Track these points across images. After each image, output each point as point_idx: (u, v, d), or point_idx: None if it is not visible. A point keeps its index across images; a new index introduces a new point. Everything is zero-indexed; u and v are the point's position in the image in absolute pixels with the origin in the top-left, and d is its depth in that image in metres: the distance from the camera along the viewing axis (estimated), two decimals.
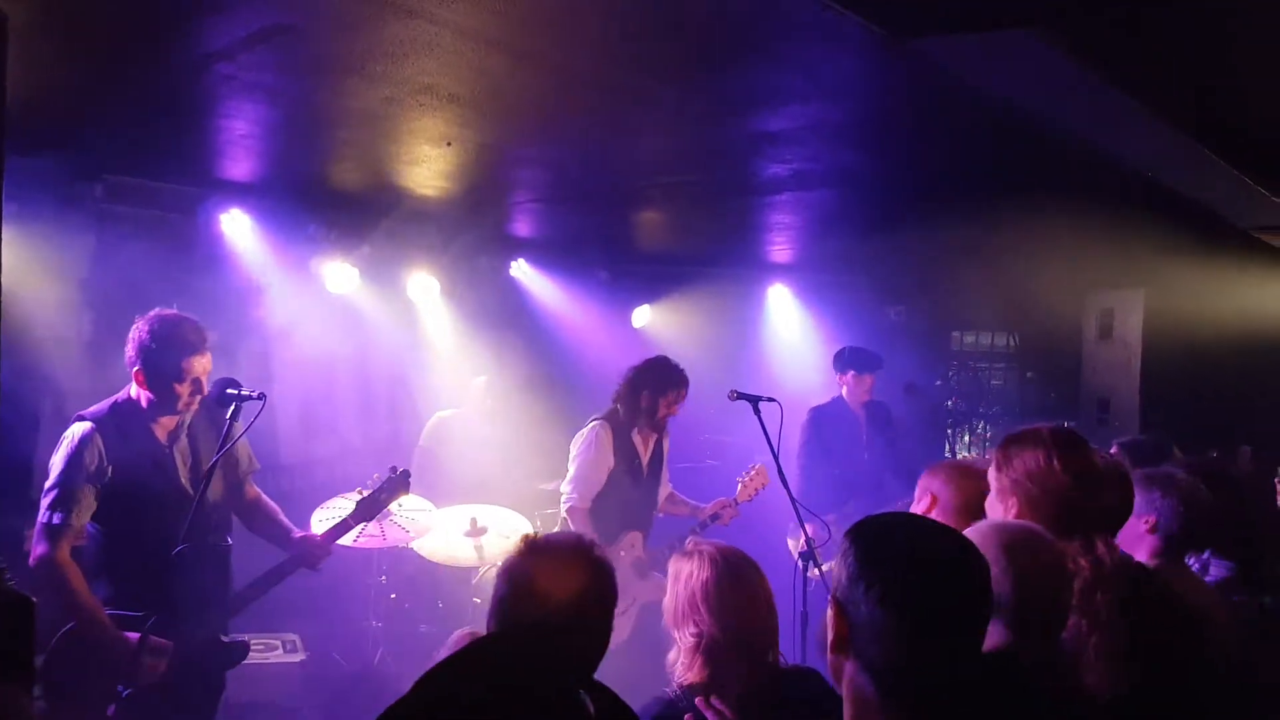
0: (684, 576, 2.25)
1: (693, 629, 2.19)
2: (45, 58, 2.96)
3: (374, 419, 6.36)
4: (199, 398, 3.12)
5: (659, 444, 4.70)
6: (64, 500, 2.94)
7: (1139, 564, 2.33)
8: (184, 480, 3.16)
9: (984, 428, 7.91)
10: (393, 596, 5.32)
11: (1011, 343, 7.21)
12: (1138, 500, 2.74)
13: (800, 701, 2.20)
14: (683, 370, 4.51)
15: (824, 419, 5.59)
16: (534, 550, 1.81)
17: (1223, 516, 2.80)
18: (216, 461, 3.03)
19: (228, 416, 3.02)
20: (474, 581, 5.11)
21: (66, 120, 3.79)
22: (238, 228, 5.08)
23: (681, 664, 2.21)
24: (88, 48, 2.95)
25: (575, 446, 4.53)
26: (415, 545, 4.47)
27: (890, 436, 5.76)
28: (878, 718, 1.26)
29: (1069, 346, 6.58)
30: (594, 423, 4.52)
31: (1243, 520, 3.02)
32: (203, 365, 3.10)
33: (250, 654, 4.48)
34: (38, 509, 2.98)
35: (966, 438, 7.97)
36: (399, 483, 3.62)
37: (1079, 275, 6.15)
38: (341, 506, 3.87)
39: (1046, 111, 3.15)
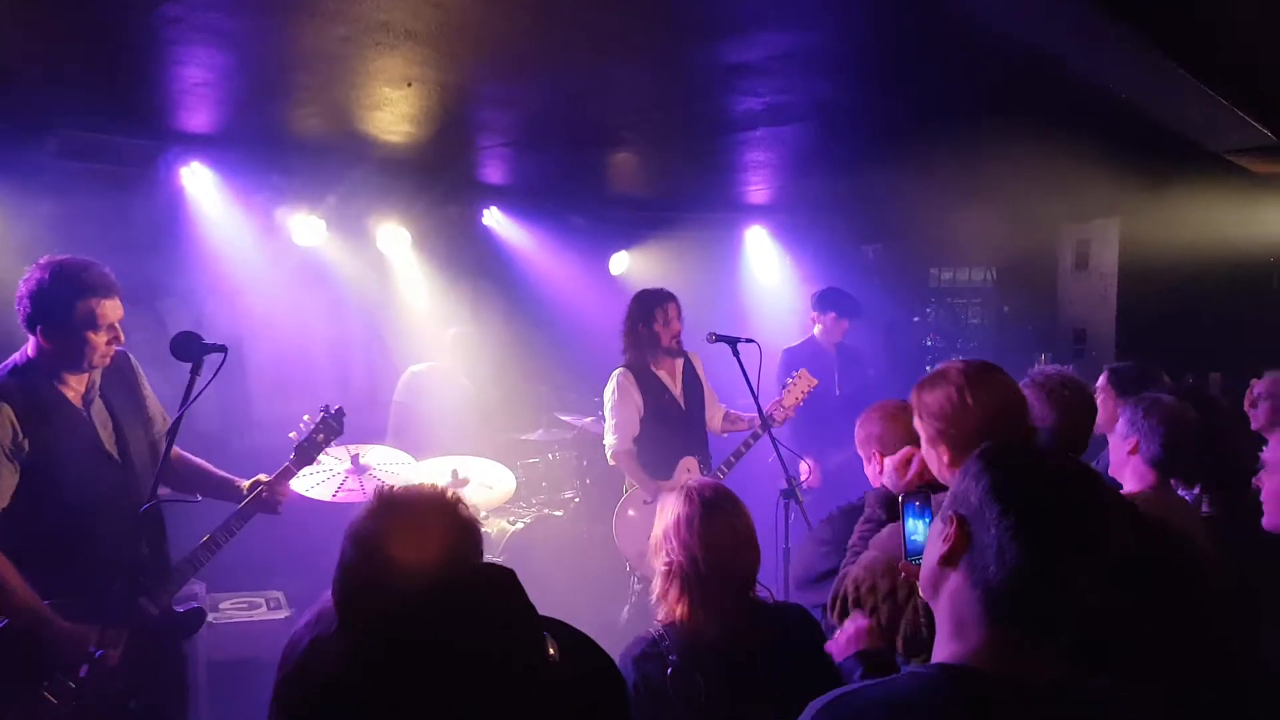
0: (664, 510, 2.27)
1: (665, 559, 2.22)
2: None
3: (350, 374, 6.29)
4: (115, 349, 2.88)
5: (688, 368, 4.84)
6: None
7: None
8: (109, 445, 2.92)
9: None
10: None
11: (989, 277, 7.19)
12: (1122, 423, 2.74)
13: (782, 634, 2.23)
14: (661, 289, 4.74)
15: (796, 360, 5.65)
16: (387, 508, 1.53)
17: (1207, 438, 2.79)
18: (180, 416, 2.88)
19: (190, 371, 2.88)
20: None
21: (7, 73, 3.63)
22: (199, 181, 4.95)
23: (657, 594, 2.24)
24: None
25: (605, 399, 4.75)
26: None
27: (862, 376, 5.82)
28: (978, 633, 1.31)
29: (1046, 279, 6.59)
30: (616, 372, 4.75)
31: (1223, 442, 3.03)
32: (116, 311, 2.83)
33: (234, 612, 4.55)
34: None
35: None
36: (333, 423, 3.32)
37: (1054, 207, 6.12)
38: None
39: (1016, 32, 3.08)
